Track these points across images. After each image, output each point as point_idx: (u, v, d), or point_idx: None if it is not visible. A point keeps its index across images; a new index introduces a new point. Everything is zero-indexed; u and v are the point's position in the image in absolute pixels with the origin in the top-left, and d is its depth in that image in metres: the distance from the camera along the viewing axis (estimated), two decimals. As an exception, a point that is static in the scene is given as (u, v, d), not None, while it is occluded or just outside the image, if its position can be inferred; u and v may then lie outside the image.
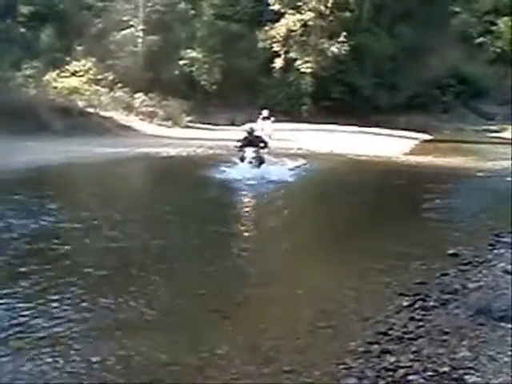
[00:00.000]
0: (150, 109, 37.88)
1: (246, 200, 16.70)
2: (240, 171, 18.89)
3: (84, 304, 7.53)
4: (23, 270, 8.70)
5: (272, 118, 31.49)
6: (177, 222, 12.50)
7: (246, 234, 12.18)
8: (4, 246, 9.88)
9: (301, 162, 22.73)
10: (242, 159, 19.49)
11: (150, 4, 40.89)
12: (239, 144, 19.87)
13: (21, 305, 7.37)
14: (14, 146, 21.58)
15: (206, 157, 24.57)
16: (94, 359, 6.10)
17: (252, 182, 17.94)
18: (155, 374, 5.94)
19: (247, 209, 15.82)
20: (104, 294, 7.91)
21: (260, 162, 19.46)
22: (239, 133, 34.44)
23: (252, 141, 19.79)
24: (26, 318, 6.97)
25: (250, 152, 19.31)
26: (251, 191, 17.29)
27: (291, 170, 20.75)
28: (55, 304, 7.43)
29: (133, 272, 8.93)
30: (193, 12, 43.50)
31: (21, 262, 9.13)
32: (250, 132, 20.26)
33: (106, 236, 10.96)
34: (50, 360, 6.04)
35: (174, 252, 10.29)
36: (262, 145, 19.84)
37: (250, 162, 19.10)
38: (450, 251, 10.33)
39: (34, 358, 6.04)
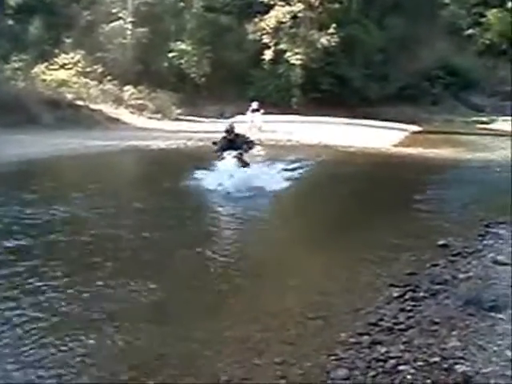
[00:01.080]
0: (140, 101, 37.76)
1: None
2: (218, 177, 15.26)
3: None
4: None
5: (262, 110, 31.46)
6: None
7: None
8: None
9: (291, 159, 20.01)
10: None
11: (138, -4, 40.80)
12: (216, 148, 16.12)
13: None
14: (3, 139, 21.48)
15: (196, 149, 24.49)
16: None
17: (232, 194, 14.55)
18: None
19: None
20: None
21: (244, 166, 15.76)
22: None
23: (233, 142, 15.96)
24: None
25: (229, 158, 15.65)
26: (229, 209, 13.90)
27: (280, 171, 17.31)
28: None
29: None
30: (182, 4, 43.40)
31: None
32: (230, 130, 16.11)
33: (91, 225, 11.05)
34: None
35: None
36: (245, 147, 16.15)
37: (231, 175, 15.10)
38: (440, 242, 10.36)
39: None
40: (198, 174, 15.77)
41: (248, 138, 16.94)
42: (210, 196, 14.74)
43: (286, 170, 17.89)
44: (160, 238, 10.64)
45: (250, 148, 16.49)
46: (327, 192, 16.21)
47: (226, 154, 15.80)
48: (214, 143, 16.44)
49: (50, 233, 10.56)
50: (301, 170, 18.39)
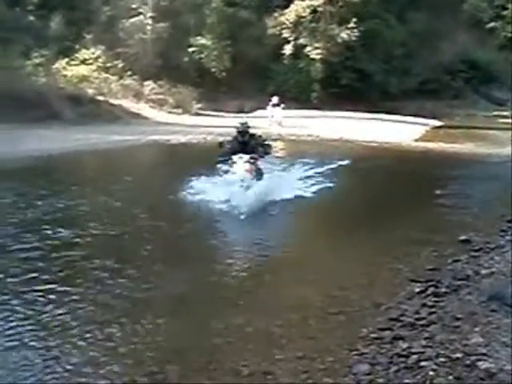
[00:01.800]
0: (160, 96, 37.81)
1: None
2: (226, 190, 12.56)
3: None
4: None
5: (282, 105, 31.39)
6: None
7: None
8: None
9: (313, 161, 18.13)
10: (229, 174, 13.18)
11: (158, -9, 40.83)
12: (224, 150, 13.62)
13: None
14: (25, 134, 21.64)
15: (216, 144, 24.47)
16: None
17: (244, 214, 11.63)
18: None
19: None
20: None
21: (258, 176, 13.29)
22: (249, 120, 34.69)
23: (246, 144, 13.54)
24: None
25: (240, 164, 13.08)
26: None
27: (302, 179, 15.56)
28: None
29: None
30: (202, -1, 43.40)
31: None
32: (243, 130, 13.75)
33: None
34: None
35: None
36: (261, 150, 13.68)
37: (242, 188, 12.47)
38: (462, 237, 10.31)
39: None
40: (203, 181, 13.18)
41: (265, 140, 14.31)
42: (213, 218, 11.78)
43: (307, 176, 16.08)
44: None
45: (267, 153, 13.97)
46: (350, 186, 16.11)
47: (236, 158, 13.16)
48: (221, 145, 13.87)
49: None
50: (324, 176, 16.22)
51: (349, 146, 25.81)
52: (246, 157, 13.23)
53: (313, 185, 15.10)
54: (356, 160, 20.90)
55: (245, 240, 10.85)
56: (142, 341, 6.42)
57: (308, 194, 14.05)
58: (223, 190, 12.60)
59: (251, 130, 14.06)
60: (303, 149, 24.09)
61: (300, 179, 15.53)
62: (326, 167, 17.64)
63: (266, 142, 14.23)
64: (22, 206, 12.27)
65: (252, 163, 13.31)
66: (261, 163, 13.89)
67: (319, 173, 16.62)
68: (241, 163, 13.14)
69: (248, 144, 13.59)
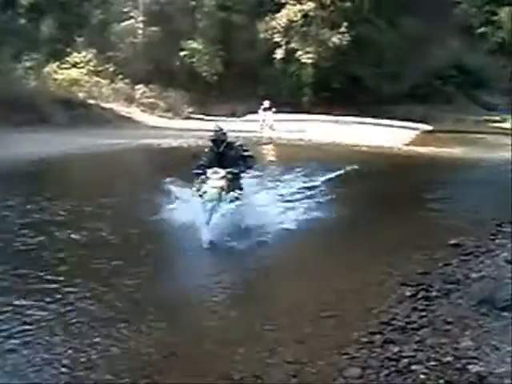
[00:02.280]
0: (151, 100, 37.81)
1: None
2: (195, 212, 10.76)
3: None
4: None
5: (273, 109, 31.41)
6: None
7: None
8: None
9: (304, 172, 17.09)
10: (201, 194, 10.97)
11: (150, -5, 40.81)
12: (200, 163, 11.46)
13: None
14: (15, 137, 21.57)
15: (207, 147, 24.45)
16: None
17: (216, 243, 10.11)
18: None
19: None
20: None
21: (235, 196, 11.14)
22: (240, 124, 34.74)
23: (223, 156, 11.42)
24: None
25: (213, 183, 10.98)
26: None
27: (288, 198, 13.79)
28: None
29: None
30: (193, 3, 43.33)
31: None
32: (218, 139, 11.53)
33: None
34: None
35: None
36: (241, 164, 11.63)
37: (210, 209, 10.56)
38: (452, 241, 10.34)
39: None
40: (178, 193, 11.49)
41: (246, 149, 12.20)
42: (178, 247, 10.16)
43: (298, 191, 14.76)
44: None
45: (249, 166, 11.95)
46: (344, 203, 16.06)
47: (210, 172, 11.07)
48: (195, 156, 12.03)
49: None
50: (314, 193, 14.84)
51: (339, 150, 25.85)
52: (222, 172, 11.10)
53: (299, 208, 12.97)
54: (347, 164, 20.92)
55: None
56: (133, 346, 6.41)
57: (292, 222, 11.69)
58: (191, 210, 10.82)
59: (229, 139, 11.73)
60: (294, 153, 24.13)
61: (287, 196, 14.02)
62: (316, 178, 16.63)
63: (248, 153, 12.06)
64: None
65: (230, 180, 11.15)
66: (244, 177, 11.99)
67: (308, 188, 15.33)
68: (214, 180, 11.03)
69: (226, 155, 11.41)
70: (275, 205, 12.79)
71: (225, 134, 11.68)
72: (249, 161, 11.96)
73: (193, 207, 10.88)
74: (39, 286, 8.13)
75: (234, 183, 11.34)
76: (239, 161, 11.62)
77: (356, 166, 18.53)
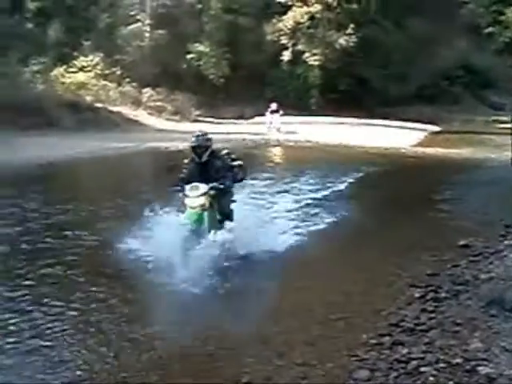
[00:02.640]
0: (158, 103, 37.90)
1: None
2: (169, 242, 8.71)
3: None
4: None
5: (280, 111, 31.43)
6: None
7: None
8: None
9: (311, 181, 16.63)
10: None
11: (156, -2, 40.92)
12: (180, 177, 9.62)
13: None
14: (23, 141, 21.63)
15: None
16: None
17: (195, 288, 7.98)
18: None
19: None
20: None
21: (221, 218, 9.53)
22: (248, 126, 34.74)
23: (205, 167, 9.49)
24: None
25: (192, 201, 9.13)
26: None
27: (292, 231, 11.15)
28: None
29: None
30: (200, 6, 43.41)
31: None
32: (199, 145, 9.49)
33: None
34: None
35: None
36: (228, 177, 9.60)
37: (189, 238, 8.69)
38: (461, 242, 10.30)
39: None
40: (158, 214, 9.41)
41: (235, 158, 10.28)
42: (148, 292, 8.15)
43: (304, 205, 13.68)
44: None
45: (240, 179, 10.09)
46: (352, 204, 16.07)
47: (188, 188, 9.18)
48: (171, 170, 11.19)
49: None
50: (323, 205, 13.93)
51: (347, 151, 25.82)
52: (202, 187, 9.19)
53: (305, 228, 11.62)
54: (356, 165, 20.90)
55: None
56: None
57: (297, 241, 10.53)
58: (165, 242, 8.76)
59: (212, 145, 9.60)
60: (301, 155, 24.13)
61: (288, 212, 12.61)
62: (325, 186, 16.37)
63: (238, 163, 10.15)
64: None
65: (213, 196, 9.27)
66: (239, 191, 10.38)
67: (317, 199, 14.80)
68: (193, 198, 9.12)
69: (210, 166, 9.46)
70: (275, 222, 11.11)
71: (209, 139, 9.56)
72: (239, 172, 10.03)
73: (167, 237, 8.80)
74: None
75: (221, 200, 9.51)
76: (227, 172, 9.64)
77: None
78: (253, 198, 12.06)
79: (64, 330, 6.80)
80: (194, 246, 8.59)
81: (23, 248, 9.97)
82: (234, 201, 9.92)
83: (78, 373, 5.89)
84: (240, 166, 10.16)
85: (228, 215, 9.72)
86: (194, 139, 9.48)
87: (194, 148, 9.47)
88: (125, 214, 12.02)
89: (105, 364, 6.07)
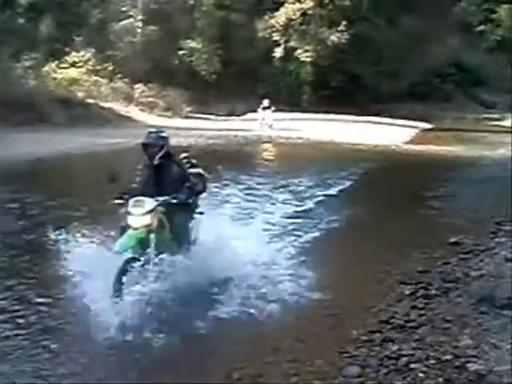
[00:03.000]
0: (150, 99, 37.82)
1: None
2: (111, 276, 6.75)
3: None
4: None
5: (272, 108, 31.44)
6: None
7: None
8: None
9: (301, 184, 15.70)
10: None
11: (148, -6, 40.81)
12: (128, 188, 7.84)
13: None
14: (14, 137, 21.53)
15: (206, 147, 24.55)
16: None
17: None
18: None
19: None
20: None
21: (173, 243, 7.55)
22: (239, 123, 34.72)
23: (158, 176, 7.74)
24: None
25: (133, 222, 7.24)
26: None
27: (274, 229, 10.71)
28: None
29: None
30: (192, 2, 43.32)
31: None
32: (150, 143, 7.81)
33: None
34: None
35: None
36: (184, 189, 7.63)
37: (122, 272, 6.74)
38: (452, 239, 10.33)
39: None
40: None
41: (195, 164, 8.51)
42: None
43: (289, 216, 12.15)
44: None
45: (198, 192, 8.13)
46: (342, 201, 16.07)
47: (130, 204, 7.28)
48: (113, 179, 9.94)
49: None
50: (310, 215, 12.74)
51: (338, 148, 25.86)
52: (149, 203, 7.26)
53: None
54: (346, 162, 20.93)
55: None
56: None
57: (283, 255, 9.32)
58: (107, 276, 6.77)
59: (166, 145, 7.82)
60: (292, 152, 24.17)
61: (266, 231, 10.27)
62: (315, 184, 16.13)
63: (196, 170, 8.37)
64: None
65: (164, 213, 7.42)
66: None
67: (306, 198, 14.35)
68: (135, 217, 7.19)
69: (164, 173, 7.70)
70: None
71: (163, 137, 7.84)
72: (197, 183, 8.14)
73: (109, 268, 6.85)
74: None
75: (175, 218, 7.57)
76: (185, 182, 7.73)
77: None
78: (234, 204, 10.54)
79: None
80: (130, 286, 6.63)
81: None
82: (200, 213, 8.20)
83: None
84: (200, 174, 8.37)
85: (184, 237, 7.74)
86: (145, 136, 7.84)
87: (144, 146, 7.75)
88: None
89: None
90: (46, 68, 35.67)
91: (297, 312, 7.23)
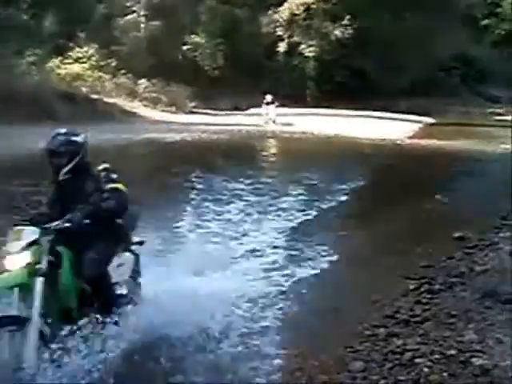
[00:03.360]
0: (154, 94, 37.88)
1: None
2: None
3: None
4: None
5: (276, 103, 31.43)
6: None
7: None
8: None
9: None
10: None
11: (152, -11, 40.82)
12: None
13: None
14: (18, 132, 21.57)
15: (210, 142, 24.55)
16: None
17: None
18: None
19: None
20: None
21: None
22: (243, 118, 34.70)
23: (68, 191, 5.64)
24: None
25: (10, 262, 4.93)
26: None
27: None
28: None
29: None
30: (195, -3, 43.35)
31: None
32: (55, 151, 5.60)
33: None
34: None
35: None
36: (91, 203, 5.54)
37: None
38: (456, 234, 10.29)
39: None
40: None
41: (114, 180, 6.22)
42: None
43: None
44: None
45: (108, 211, 5.73)
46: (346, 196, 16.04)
47: (10, 236, 5.20)
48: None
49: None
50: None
51: (342, 143, 25.83)
52: (30, 233, 5.22)
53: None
54: (350, 157, 20.92)
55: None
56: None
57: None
58: None
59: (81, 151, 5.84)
60: (295, 147, 24.15)
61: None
62: (318, 178, 16.07)
63: (114, 186, 6.02)
64: None
65: (57, 244, 5.32)
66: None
67: (310, 192, 14.03)
68: (14, 252, 5.07)
69: (72, 190, 5.70)
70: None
71: (73, 142, 5.77)
72: (108, 198, 5.79)
73: None
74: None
75: (84, 252, 5.46)
76: (101, 202, 5.70)
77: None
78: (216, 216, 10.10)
79: None
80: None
81: None
82: (139, 243, 6.43)
83: None
84: (116, 189, 5.98)
85: (99, 280, 5.52)
86: (49, 141, 5.72)
87: (47, 154, 5.69)
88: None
89: None
90: (49, 64, 35.76)
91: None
